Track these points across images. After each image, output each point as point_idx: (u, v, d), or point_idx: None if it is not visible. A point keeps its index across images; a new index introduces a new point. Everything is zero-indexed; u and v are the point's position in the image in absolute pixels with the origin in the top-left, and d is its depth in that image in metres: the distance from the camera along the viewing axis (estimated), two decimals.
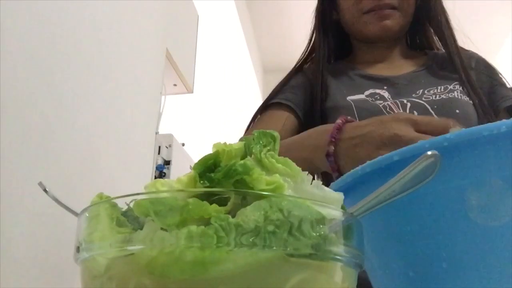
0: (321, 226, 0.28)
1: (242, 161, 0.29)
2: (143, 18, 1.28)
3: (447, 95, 0.90)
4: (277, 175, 0.29)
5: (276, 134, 0.33)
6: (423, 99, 0.89)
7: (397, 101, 0.89)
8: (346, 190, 0.40)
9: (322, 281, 0.28)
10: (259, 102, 4.00)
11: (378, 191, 0.30)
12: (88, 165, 0.92)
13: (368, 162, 0.39)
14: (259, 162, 0.31)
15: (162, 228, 0.26)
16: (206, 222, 0.26)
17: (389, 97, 0.92)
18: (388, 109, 0.88)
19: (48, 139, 0.81)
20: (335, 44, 1.06)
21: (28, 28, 0.77)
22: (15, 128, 0.72)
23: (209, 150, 0.32)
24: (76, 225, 0.32)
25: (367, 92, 0.94)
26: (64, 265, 0.77)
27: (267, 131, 0.33)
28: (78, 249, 0.30)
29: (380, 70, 1.00)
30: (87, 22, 0.96)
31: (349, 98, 0.93)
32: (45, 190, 0.37)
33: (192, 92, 1.78)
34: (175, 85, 1.68)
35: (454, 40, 0.97)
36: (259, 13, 3.19)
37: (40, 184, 0.37)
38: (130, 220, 0.29)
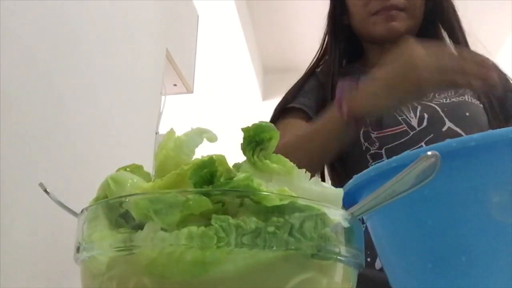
0: (321, 226, 0.28)
1: (243, 180, 0.28)
2: (143, 18, 1.28)
3: (458, 98, 0.90)
4: (286, 188, 0.29)
5: (273, 128, 0.32)
6: (434, 102, 0.90)
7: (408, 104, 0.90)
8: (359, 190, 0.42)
9: (322, 281, 0.28)
10: (259, 102, 3.99)
11: (378, 191, 0.30)
12: (88, 165, 0.92)
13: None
14: (253, 165, 0.31)
15: (162, 229, 0.26)
16: (207, 222, 0.26)
17: None
18: (398, 111, 0.89)
19: (48, 139, 0.80)
20: (347, 48, 1.06)
21: (28, 28, 0.77)
22: (15, 128, 0.72)
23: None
24: (76, 225, 0.32)
25: None
26: (64, 265, 0.77)
27: (267, 125, 0.32)
28: (78, 249, 0.30)
29: None
30: (87, 22, 0.96)
31: None
32: (45, 191, 0.37)
33: (192, 92, 1.78)
34: (175, 85, 1.68)
35: (466, 43, 0.98)
36: (259, 13, 3.18)
37: (41, 184, 0.37)
38: (129, 219, 0.29)
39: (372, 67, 1.03)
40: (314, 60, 1.08)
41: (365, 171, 0.41)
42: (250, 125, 0.32)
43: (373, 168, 0.40)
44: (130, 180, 0.32)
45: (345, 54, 1.08)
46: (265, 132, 0.32)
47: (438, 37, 1.04)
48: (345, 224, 0.29)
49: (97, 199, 0.33)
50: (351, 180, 0.43)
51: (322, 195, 0.31)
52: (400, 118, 0.88)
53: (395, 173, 0.29)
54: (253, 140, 0.32)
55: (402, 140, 0.87)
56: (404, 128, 0.87)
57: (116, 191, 0.32)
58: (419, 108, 0.89)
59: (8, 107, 0.71)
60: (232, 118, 3.29)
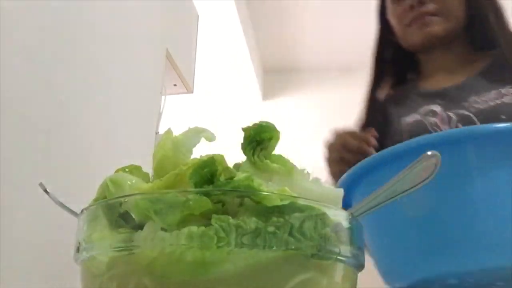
0: (321, 226, 0.28)
1: (244, 180, 0.28)
2: (143, 18, 1.28)
3: (495, 101, 0.89)
4: (286, 188, 0.29)
5: (274, 127, 0.32)
6: (471, 109, 0.89)
7: (445, 115, 0.90)
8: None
9: (322, 281, 0.28)
10: (259, 102, 3.98)
11: (379, 191, 0.30)
12: (88, 165, 0.92)
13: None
14: (254, 164, 0.31)
15: (162, 229, 0.26)
16: (207, 222, 0.26)
17: (441, 111, 0.93)
18: (434, 126, 0.90)
19: (48, 139, 0.80)
20: (402, 65, 1.07)
21: (27, 27, 0.77)
22: (15, 128, 0.72)
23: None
24: (76, 225, 0.32)
25: (422, 110, 0.96)
26: (64, 265, 0.77)
27: (267, 125, 0.32)
28: (78, 249, 0.30)
29: (438, 82, 1.00)
30: (87, 22, 0.96)
31: (405, 120, 0.96)
32: (45, 191, 0.37)
33: (192, 92, 1.77)
34: (175, 85, 1.67)
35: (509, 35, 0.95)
36: (259, 13, 3.18)
37: (41, 185, 0.37)
38: (129, 220, 0.29)
39: (422, 80, 1.02)
40: (370, 86, 1.08)
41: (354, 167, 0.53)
42: (250, 125, 0.32)
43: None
44: (128, 182, 0.32)
45: (401, 73, 1.08)
46: (265, 132, 0.32)
47: (487, 33, 0.99)
48: (345, 224, 0.29)
49: (96, 201, 0.33)
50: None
51: (322, 195, 0.31)
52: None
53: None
54: (254, 139, 0.32)
55: None
56: None
57: (115, 192, 0.32)
58: (455, 119, 0.89)
59: (8, 107, 0.71)
60: (232, 118, 3.29)
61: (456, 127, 0.87)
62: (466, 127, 0.47)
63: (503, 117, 0.86)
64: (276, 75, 3.60)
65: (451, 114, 0.90)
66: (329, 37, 3.16)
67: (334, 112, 3.34)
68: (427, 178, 0.29)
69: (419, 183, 0.29)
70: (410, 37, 0.98)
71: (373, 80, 1.08)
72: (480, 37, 1.01)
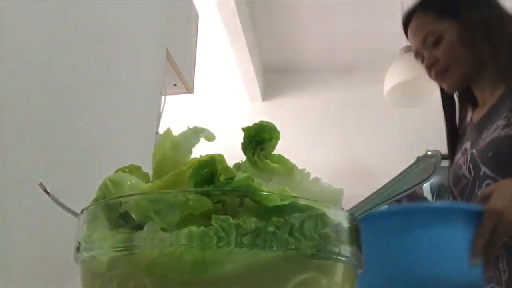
0: (321, 226, 0.28)
1: (244, 180, 0.28)
2: (143, 18, 1.28)
3: (489, 138, 0.88)
4: (287, 188, 0.29)
5: (274, 127, 0.32)
6: (478, 147, 0.91)
7: (466, 155, 0.94)
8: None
9: (322, 281, 0.28)
10: (259, 102, 3.99)
11: (379, 191, 0.30)
12: (88, 166, 0.92)
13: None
14: (254, 164, 0.31)
15: (162, 229, 0.26)
16: (207, 222, 0.26)
17: (469, 148, 0.96)
18: (460, 168, 0.95)
19: (48, 139, 0.80)
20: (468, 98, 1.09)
21: (27, 27, 0.77)
22: (15, 128, 0.72)
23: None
24: (76, 225, 0.32)
25: (462, 148, 1.00)
26: (64, 265, 0.77)
27: (267, 125, 0.32)
28: (78, 249, 0.30)
29: (476, 115, 1.02)
30: (86, 22, 0.96)
31: (456, 159, 1.00)
32: (45, 191, 0.37)
33: (192, 92, 1.77)
34: (175, 85, 1.67)
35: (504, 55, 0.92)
36: (259, 13, 3.18)
37: (41, 184, 0.37)
38: (128, 220, 0.29)
39: (480, 104, 1.02)
40: (459, 115, 1.11)
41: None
42: (250, 125, 0.32)
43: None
44: (128, 182, 0.32)
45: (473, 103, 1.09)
46: (265, 132, 0.32)
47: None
48: (345, 224, 0.29)
49: (96, 201, 0.33)
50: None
51: (322, 195, 0.31)
52: (461, 174, 0.94)
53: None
54: (254, 139, 0.32)
55: (466, 193, 0.93)
56: (465, 181, 0.93)
57: (114, 192, 0.32)
58: (468, 160, 0.92)
59: (8, 106, 0.71)
60: (232, 118, 3.29)
61: (468, 168, 0.92)
62: (414, 205, 0.77)
63: (490, 154, 0.87)
64: (276, 75, 3.60)
65: (468, 154, 0.93)
66: (329, 37, 3.16)
67: (334, 112, 3.35)
68: (427, 178, 0.29)
69: (419, 183, 0.29)
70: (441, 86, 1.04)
71: (459, 110, 1.11)
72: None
